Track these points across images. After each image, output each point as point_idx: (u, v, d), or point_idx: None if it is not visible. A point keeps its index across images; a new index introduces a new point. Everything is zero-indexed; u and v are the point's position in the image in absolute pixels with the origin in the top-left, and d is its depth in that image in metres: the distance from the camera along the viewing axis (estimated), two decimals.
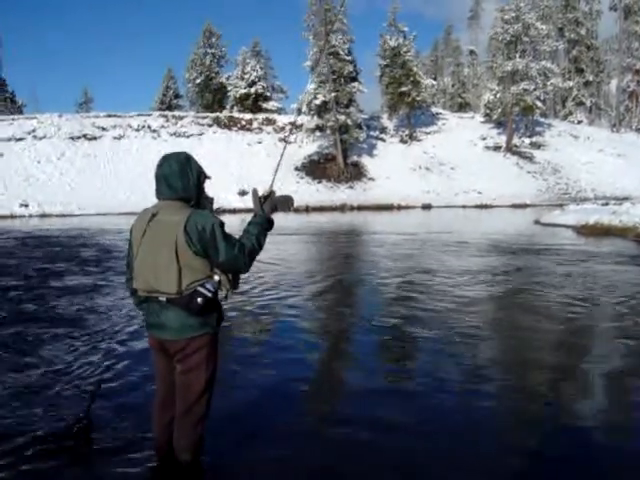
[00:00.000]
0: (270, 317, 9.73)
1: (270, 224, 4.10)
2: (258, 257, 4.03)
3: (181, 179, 3.94)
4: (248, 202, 38.57)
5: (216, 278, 3.92)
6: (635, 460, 4.54)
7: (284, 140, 58.18)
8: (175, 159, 4.01)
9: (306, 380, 6.59)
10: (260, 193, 4.15)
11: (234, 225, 3.96)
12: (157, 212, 3.95)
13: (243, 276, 4.18)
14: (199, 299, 3.84)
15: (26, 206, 44.33)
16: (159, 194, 4.01)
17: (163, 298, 3.92)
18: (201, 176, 4.07)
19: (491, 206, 49.84)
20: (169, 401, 4.20)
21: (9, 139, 52.21)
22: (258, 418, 5.35)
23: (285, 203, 4.21)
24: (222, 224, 3.88)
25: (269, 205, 4.12)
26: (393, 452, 4.67)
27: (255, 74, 67.57)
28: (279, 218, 4.11)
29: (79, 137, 54.39)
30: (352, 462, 4.58)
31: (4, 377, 6.47)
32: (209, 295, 3.88)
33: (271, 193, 4.18)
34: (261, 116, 62.49)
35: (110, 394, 5.90)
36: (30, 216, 42.65)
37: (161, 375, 4.26)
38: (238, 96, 67.52)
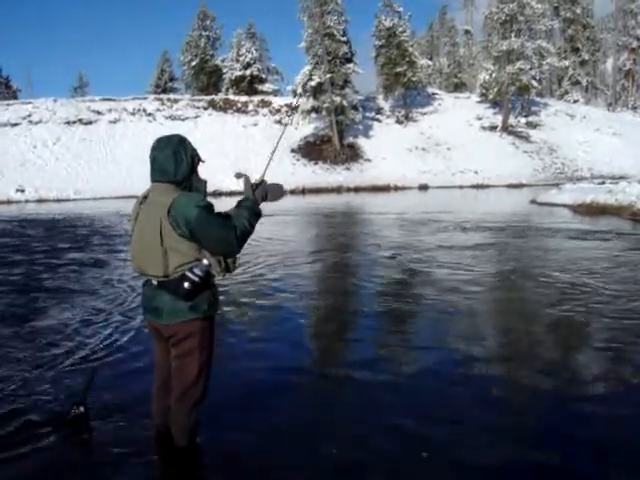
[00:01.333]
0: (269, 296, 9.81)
1: (259, 211, 4.10)
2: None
3: (174, 162, 3.93)
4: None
5: (205, 262, 3.89)
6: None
7: (282, 122, 58.14)
8: (168, 142, 4.00)
9: (301, 367, 6.60)
10: (252, 181, 4.15)
11: (230, 208, 3.92)
12: (148, 194, 3.99)
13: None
14: (186, 284, 3.82)
15: (22, 191, 44.29)
16: (153, 176, 4.01)
17: (155, 282, 3.95)
18: (195, 159, 4.06)
19: (487, 186, 49.87)
20: (168, 385, 4.21)
21: (4, 124, 52.07)
22: (255, 400, 5.40)
23: (276, 192, 4.22)
24: (210, 205, 3.86)
25: (260, 193, 4.12)
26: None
27: (250, 56, 67.29)
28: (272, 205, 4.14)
29: (74, 122, 54.24)
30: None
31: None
32: (196, 280, 3.84)
33: (263, 182, 4.19)
34: (256, 98, 62.31)
35: (108, 375, 5.95)
36: (27, 201, 42.61)
37: (159, 358, 4.30)
38: (233, 78, 67.31)
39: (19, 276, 12.10)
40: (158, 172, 3.96)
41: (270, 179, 4.28)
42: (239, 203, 4.07)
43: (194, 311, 3.94)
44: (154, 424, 4.42)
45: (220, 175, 41.43)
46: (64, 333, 7.62)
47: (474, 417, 4.92)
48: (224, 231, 3.81)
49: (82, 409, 4.76)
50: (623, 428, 4.70)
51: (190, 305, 3.91)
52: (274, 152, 4.91)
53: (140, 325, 7.71)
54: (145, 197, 3.98)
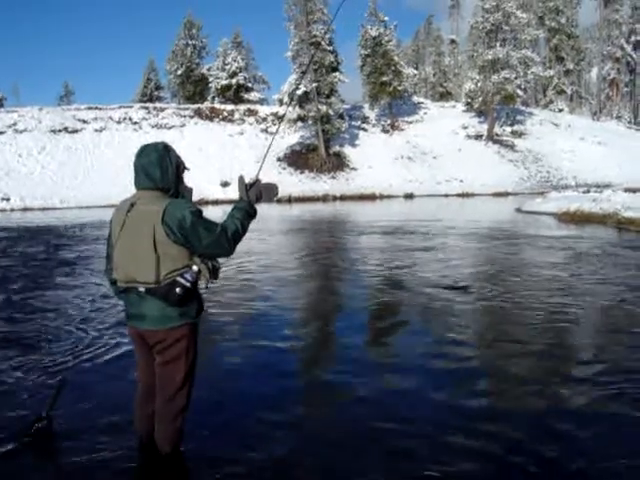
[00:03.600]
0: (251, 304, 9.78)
1: (254, 211, 4.08)
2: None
3: (159, 169, 3.93)
4: (230, 193, 38.42)
5: (195, 268, 3.90)
6: None
7: (268, 131, 58.15)
8: (153, 149, 4.00)
9: (289, 370, 6.63)
10: (246, 181, 4.12)
11: (216, 217, 3.91)
12: (135, 202, 3.94)
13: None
14: (178, 289, 3.83)
15: (7, 200, 44.14)
16: (138, 184, 4.00)
17: (142, 289, 3.90)
18: (180, 166, 4.08)
19: (473, 195, 50.08)
20: (151, 392, 4.20)
21: None
22: (239, 408, 5.38)
23: (270, 191, 4.20)
24: (200, 211, 3.88)
25: (254, 192, 4.09)
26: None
27: (236, 65, 67.39)
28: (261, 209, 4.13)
29: (60, 130, 54.13)
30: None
31: None
32: (188, 285, 3.86)
33: (257, 181, 4.16)
34: (243, 107, 62.37)
35: (83, 381, 5.93)
36: (12, 210, 42.47)
37: (142, 366, 4.27)
38: (219, 87, 67.41)
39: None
40: (144, 178, 3.95)
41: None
42: (234, 206, 4.06)
43: (184, 317, 3.96)
44: (137, 432, 4.39)
45: (206, 183, 41.48)
46: (34, 342, 7.57)
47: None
48: (215, 234, 3.81)
49: (46, 422, 4.66)
50: None
51: (180, 311, 3.93)
52: (268, 152, 5.01)
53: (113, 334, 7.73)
54: (132, 205, 3.93)
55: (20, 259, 16.29)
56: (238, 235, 3.93)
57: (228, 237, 3.86)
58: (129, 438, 4.55)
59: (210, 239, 3.81)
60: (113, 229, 4.05)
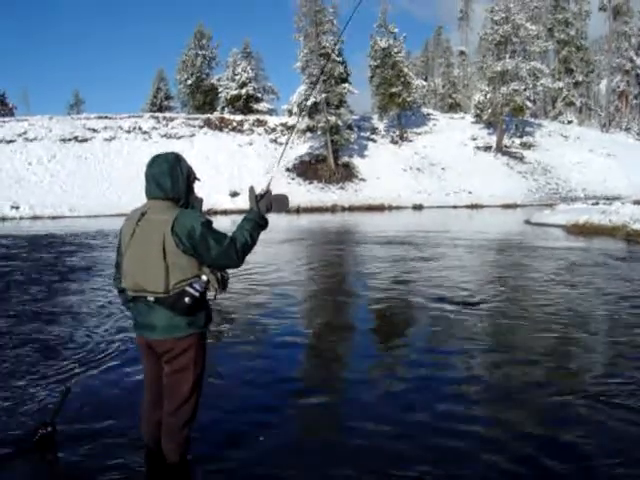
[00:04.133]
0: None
1: (265, 222, 4.05)
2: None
3: (170, 179, 3.95)
4: (239, 203, 38.42)
5: (204, 278, 3.90)
6: None
7: (277, 141, 58.22)
8: (165, 159, 4.02)
9: (296, 378, 6.66)
10: (257, 191, 4.12)
11: (225, 227, 3.91)
12: (146, 211, 3.95)
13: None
14: (187, 299, 3.84)
15: (17, 208, 44.26)
16: (148, 194, 4.02)
17: (151, 298, 3.90)
18: (190, 176, 4.09)
19: (482, 206, 50.00)
20: (158, 401, 4.20)
21: (0, 141, 52.11)
22: (245, 416, 5.41)
23: (281, 203, 4.18)
24: (210, 222, 3.89)
25: (265, 203, 4.07)
26: None
27: (246, 75, 67.56)
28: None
29: (70, 139, 54.30)
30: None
31: None
32: (196, 295, 3.86)
33: (268, 192, 4.13)
34: (252, 117, 62.46)
35: (87, 389, 5.92)
36: (21, 218, 42.59)
37: (149, 375, 4.26)
38: (229, 97, 67.57)
39: None
40: (155, 188, 3.97)
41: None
42: (244, 217, 4.05)
43: (192, 326, 3.97)
44: (144, 439, 4.39)
45: (215, 194, 41.53)
46: (47, 346, 7.60)
47: None
48: (224, 245, 3.82)
49: (50, 429, 4.63)
50: None
51: (188, 321, 3.94)
52: (279, 162, 5.02)
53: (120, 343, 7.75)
54: (143, 214, 3.94)
55: (33, 265, 16.38)
56: (247, 247, 3.93)
57: (237, 248, 3.86)
58: (135, 445, 4.56)
59: (219, 250, 3.82)
60: (123, 238, 4.05)
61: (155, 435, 4.25)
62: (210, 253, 3.82)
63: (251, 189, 4.11)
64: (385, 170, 56.51)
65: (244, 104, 66.93)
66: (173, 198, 3.99)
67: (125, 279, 4.02)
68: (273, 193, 4.16)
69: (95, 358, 7.20)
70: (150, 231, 3.86)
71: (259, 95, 69.45)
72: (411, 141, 62.63)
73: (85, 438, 4.83)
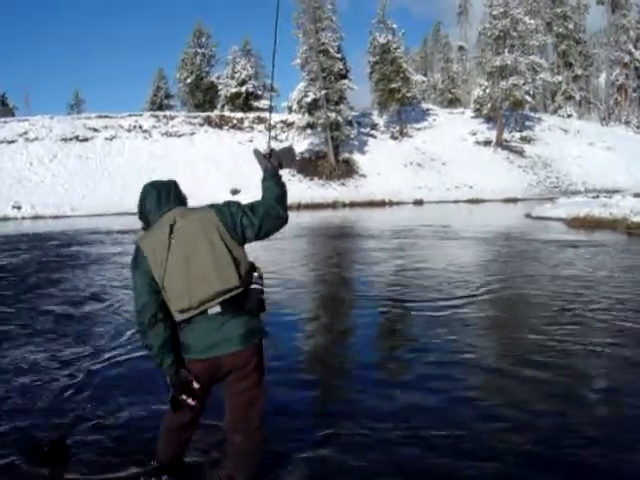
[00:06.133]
0: None
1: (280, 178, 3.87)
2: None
3: (180, 191, 3.91)
4: (240, 200, 38.44)
5: (256, 274, 3.71)
6: None
7: (277, 138, 58.25)
8: (165, 180, 3.94)
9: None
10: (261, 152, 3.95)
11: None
12: (174, 221, 3.62)
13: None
14: (257, 296, 3.66)
15: (19, 208, 44.38)
16: (166, 204, 3.75)
17: (215, 310, 3.55)
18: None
19: (482, 201, 50.04)
20: (192, 423, 3.93)
21: (1, 142, 52.17)
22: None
23: (288, 155, 4.03)
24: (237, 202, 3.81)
25: (275, 160, 3.89)
26: None
27: (246, 73, 67.59)
28: None
29: (71, 139, 54.36)
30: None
31: None
32: (263, 289, 3.72)
33: (272, 150, 3.93)
34: (252, 115, 62.47)
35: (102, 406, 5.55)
36: (23, 218, 42.72)
37: (197, 400, 3.73)
38: (229, 95, 67.59)
39: None
40: (174, 198, 3.80)
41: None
42: (264, 177, 3.85)
43: (263, 328, 3.78)
44: (159, 461, 4.08)
45: (216, 191, 41.51)
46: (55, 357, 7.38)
47: None
48: (263, 204, 3.70)
49: (61, 444, 4.46)
50: None
51: (260, 322, 3.75)
52: (270, 124, 4.89)
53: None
54: (171, 225, 3.59)
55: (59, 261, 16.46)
56: (283, 195, 3.79)
57: (276, 200, 3.72)
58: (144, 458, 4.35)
59: (263, 208, 3.68)
60: (153, 261, 3.58)
61: (176, 453, 4.06)
62: (255, 216, 3.65)
63: (256, 151, 3.97)
64: (385, 166, 56.58)
65: (244, 102, 66.96)
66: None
67: (182, 297, 3.53)
68: (277, 149, 4.00)
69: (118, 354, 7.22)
70: (196, 233, 3.59)
71: (259, 92, 69.46)
72: (411, 136, 62.68)
73: (91, 444, 4.70)
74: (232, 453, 3.88)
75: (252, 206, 3.69)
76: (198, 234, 3.57)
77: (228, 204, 3.75)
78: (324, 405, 5.74)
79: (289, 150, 4.08)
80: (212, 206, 3.75)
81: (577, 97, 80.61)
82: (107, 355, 7.19)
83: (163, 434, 4.02)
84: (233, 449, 3.86)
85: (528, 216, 30.01)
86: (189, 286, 3.50)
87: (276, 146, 4.01)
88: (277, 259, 16.49)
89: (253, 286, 3.65)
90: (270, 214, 3.67)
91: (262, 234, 3.70)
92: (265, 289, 3.76)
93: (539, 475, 4.16)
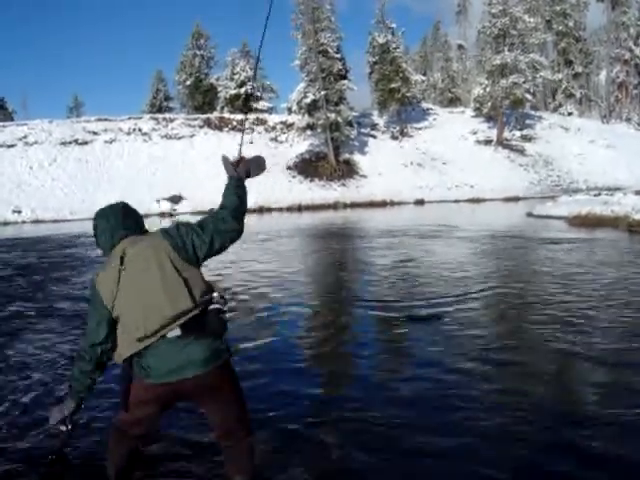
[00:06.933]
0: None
1: (244, 188, 3.84)
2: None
3: (131, 212, 3.85)
4: None
5: (215, 294, 3.59)
6: None
7: (277, 139, 58.24)
8: (118, 203, 3.89)
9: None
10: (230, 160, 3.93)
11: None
12: (124, 252, 3.57)
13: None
14: (217, 315, 3.53)
15: (19, 212, 44.35)
16: (116, 232, 3.70)
17: (175, 333, 3.45)
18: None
19: (484, 200, 49.94)
20: (142, 435, 3.85)
21: (0, 146, 52.18)
22: None
23: (258, 164, 3.97)
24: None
25: (243, 169, 3.87)
26: None
27: (245, 74, 67.52)
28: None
29: (70, 142, 54.35)
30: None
31: None
32: (225, 308, 3.59)
33: (242, 158, 3.93)
34: (252, 116, 62.47)
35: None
36: (23, 222, 42.68)
37: (149, 421, 3.78)
38: (228, 97, 67.59)
39: None
40: (124, 224, 3.73)
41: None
42: (226, 185, 3.83)
43: (226, 349, 3.67)
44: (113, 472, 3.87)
45: (216, 193, 41.43)
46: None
47: None
48: (214, 217, 3.67)
49: (60, 458, 4.17)
50: None
51: (225, 342, 3.65)
52: (244, 130, 4.76)
53: None
54: (122, 257, 3.54)
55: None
56: (239, 206, 3.74)
57: (230, 210, 3.69)
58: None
59: (214, 224, 3.63)
60: (105, 294, 3.53)
61: (124, 463, 3.86)
62: (207, 232, 3.61)
63: (224, 158, 3.96)
64: (386, 166, 56.50)
65: (243, 103, 66.93)
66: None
67: (138, 329, 3.46)
68: (247, 158, 3.99)
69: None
70: (146, 261, 3.53)
71: (258, 94, 69.47)
72: (411, 136, 62.61)
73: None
74: (227, 458, 3.88)
75: (201, 224, 3.66)
76: (148, 262, 3.52)
77: (177, 226, 3.68)
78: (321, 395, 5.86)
79: (259, 159, 4.02)
80: (162, 230, 3.68)
81: (578, 95, 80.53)
82: None
83: (115, 448, 3.88)
84: (227, 455, 3.87)
85: (529, 215, 29.92)
86: (143, 315, 3.45)
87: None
88: (276, 259, 16.42)
89: (212, 306, 3.54)
90: (220, 229, 3.64)
91: (215, 250, 3.67)
92: (226, 309, 3.64)
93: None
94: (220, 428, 3.80)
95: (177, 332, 3.46)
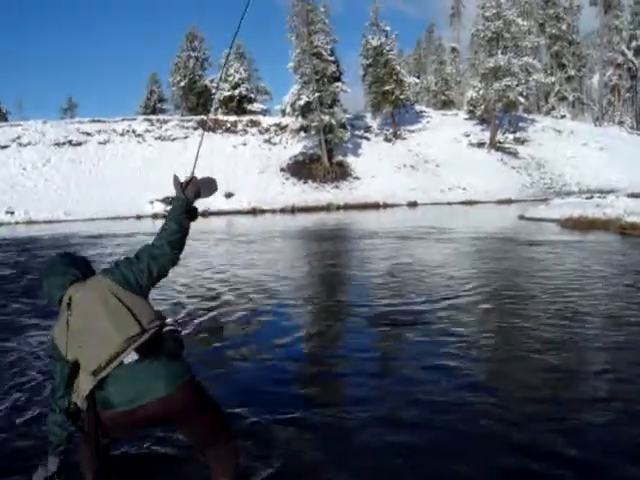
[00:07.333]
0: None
1: (194, 210, 3.85)
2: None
3: (73, 260, 3.86)
4: (234, 204, 38.25)
5: (168, 320, 3.66)
6: None
7: (271, 141, 58.29)
8: (61, 254, 3.93)
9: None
10: (181, 180, 3.89)
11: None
12: (71, 298, 3.59)
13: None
14: (173, 335, 3.58)
15: (12, 213, 44.28)
16: (62, 286, 3.68)
17: (131, 358, 3.44)
18: None
19: (477, 202, 50.01)
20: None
21: None
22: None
23: (208, 186, 3.96)
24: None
25: (192, 190, 3.85)
26: None
27: (239, 76, 67.53)
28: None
29: (64, 143, 54.36)
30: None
31: None
32: (179, 328, 3.66)
33: (193, 178, 3.90)
34: (246, 118, 62.51)
35: None
36: (16, 223, 42.57)
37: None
38: (222, 98, 67.59)
39: None
40: (77, 272, 3.74)
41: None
42: (169, 210, 3.83)
43: (188, 368, 3.65)
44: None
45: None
46: None
47: None
48: (148, 248, 3.70)
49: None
50: None
51: (185, 362, 3.64)
52: (199, 150, 4.63)
53: None
54: (68, 304, 3.57)
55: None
56: (173, 233, 3.73)
57: (163, 237, 3.71)
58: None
59: (149, 253, 3.67)
60: (60, 343, 3.56)
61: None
62: (143, 261, 3.64)
63: (175, 178, 3.90)
64: (379, 168, 56.55)
65: (237, 105, 66.95)
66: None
67: (90, 364, 3.46)
68: (199, 178, 3.95)
69: None
70: (91, 302, 3.55)
71: (252, 96, 69.49)
72: (405, 139, 62.71)
73: None
74: (210, 460, 3.86)
75: (138, 254, 3.68)
76: (93, 302, 3.53)
77: (117, 263, 3.71)
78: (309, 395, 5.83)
79: (210, 182, 4.00)
80: (102, 270, 3.73)
81: (570, 98, 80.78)
82: None
83: (89, 462, 3.66)
84: (210, 457, 3.85)
85: (522, 217, 29.96)
86: (97, 349, 3.44)
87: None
88: (276, 260, 16.48)
89: (167, 328, 3.58)
90: (156, 257, 3.66)
91: (155, 277, 3.67)
92: (181, 329, 3.67)
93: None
94: (198, 443, 3.87)
95: (134, 356, 3.44)
